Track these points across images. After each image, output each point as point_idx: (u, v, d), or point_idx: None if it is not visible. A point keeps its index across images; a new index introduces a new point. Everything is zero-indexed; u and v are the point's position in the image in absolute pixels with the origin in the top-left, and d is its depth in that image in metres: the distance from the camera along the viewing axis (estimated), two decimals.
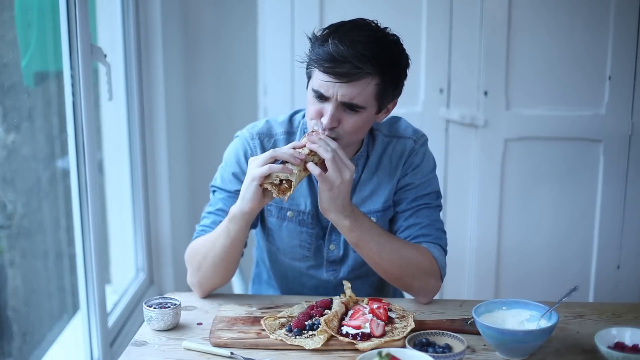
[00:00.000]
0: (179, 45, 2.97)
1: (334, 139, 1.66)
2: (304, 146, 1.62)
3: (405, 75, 1.73)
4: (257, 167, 1.60)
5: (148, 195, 2.72)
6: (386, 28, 1.69)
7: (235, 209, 1.65)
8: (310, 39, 1.69)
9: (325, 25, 1.69)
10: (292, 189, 1.58)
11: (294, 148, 1.62)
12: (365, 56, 1.60)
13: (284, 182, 1.59)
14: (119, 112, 2.58)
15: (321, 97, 1.65)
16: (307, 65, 1.69)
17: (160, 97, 2.71)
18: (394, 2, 2.76)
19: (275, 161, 1.60)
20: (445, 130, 2.85)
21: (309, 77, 1.70)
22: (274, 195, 1.61)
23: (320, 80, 1.64)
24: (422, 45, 2.80)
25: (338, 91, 1.62)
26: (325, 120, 1.65)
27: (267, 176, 1.59)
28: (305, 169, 1.61)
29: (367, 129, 1.73)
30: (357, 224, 1.66)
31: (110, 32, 2.54)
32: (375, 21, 1.69)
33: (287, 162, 1.59)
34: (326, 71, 1.62)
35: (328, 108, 1.65)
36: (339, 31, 1.64)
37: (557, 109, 2.81)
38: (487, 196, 2.87)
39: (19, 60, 2.12)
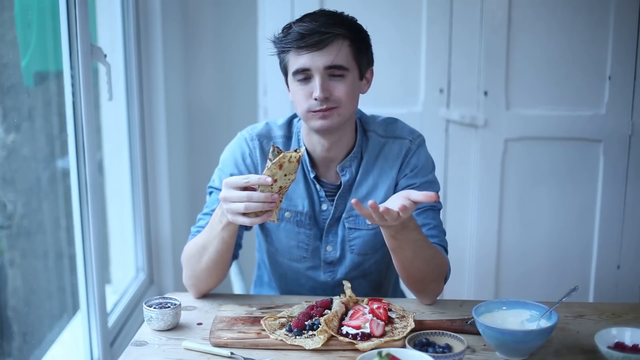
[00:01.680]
0: (179, 45, 2.97)
1: (334, 108, 1.68)
2: (275, 181, 1.54)
3: (370, 44, 1.78)
4: (236, 213, 1.55)
5: (148, 195, 2.72)
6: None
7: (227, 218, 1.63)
8: (274, 42, 1.75)
9: None
10: (276, 219, 1.58)
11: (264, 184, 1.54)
12: (329, 23, 1.69)
13: None
14: (119, 112, 2.58)
15: (305, 75, 1.69)
16: (281, 59, 1.75)
17: (160, 97, 2.71)
18: (394, 2, 2.77)
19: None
20: (445, 130, 2.85)
21: (286, 69, 1.74)
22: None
23: (298, 57, 1.69)
24: (422, 45, 2.80)
25: (318, 61, 1.67)
26: (316, 92, 1.68)
27: None
28: (280, 194, 1.57)
29: (357, 97, 1.76)
30: (402, 235, 1.62)
31: (110, 32, 2.54)
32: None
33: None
34: (299, 46, 1.68)
35: (315, 82, 1.68)
36: (297, 19, 1.73)
37: (557, 109, 2.81)
38: (487, 196, 2.87)
39: (19, 60, 2.12)
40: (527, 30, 2.76)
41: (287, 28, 1.72)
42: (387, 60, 2.76)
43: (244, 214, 1.55)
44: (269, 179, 1.52)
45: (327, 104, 1.68)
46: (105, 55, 2.18)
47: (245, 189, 1.55)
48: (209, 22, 3.03)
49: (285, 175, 1.55)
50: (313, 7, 2.71)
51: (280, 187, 1.55)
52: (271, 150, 1.58)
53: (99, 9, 2.54)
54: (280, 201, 1.58)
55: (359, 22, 1.76)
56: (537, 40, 2.77)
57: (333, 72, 1.69)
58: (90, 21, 2.01)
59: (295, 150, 1.55)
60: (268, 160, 1.55)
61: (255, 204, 1.53)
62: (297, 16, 1.72)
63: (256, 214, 1.56)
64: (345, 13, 1.76)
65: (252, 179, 1.54)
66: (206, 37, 3.04)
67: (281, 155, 1.53)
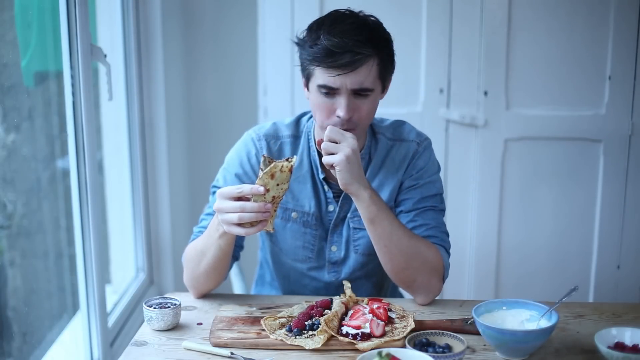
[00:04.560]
0: (179, 45, 2.97)
1: (353, 129, 1.67)
2: (268, 190, 1.54)
3: (394, 53, 1.76)
4: (230, 223, 1.56)
5: (148, 195, 2.72)
6: (360, 12, 1.72)
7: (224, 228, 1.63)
8: (297, 43, 1.70)
9: None
10: (272, 228, 1.59)
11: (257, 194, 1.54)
12: (361, 41, 1.63)
13: None
14: (119, 112, 2.58)
15: (330, 92, 1.66)
16: (304, 68, 1.70)
17: (160, 97, 2.71)
18: (394, 2, 2.76)
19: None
20: (445, 130, 2.85)
21: (308, 78, 1.70)
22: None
23: (325, 73, 1.64)
24: (422, 45, 2.80)
25: (346, 81, 1.64)
26: (342, 113, 1.65)
27: None
28: (274, 204, 1.57)
29: (375, 111, 1.76)
30: (376, 199, 1.67)
31: (110, 32, 2.54)
32: (349, 8, 1.72)
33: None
34: (330, 66, 1.63)
35: (341, 100, 1.65)
36: (323, 27, 1.65)
37: (557, 109, 2.81)
38: (487, 196, 2.87)
39: (19, 60, 2.12)
40: (527, 30, 2.76)
41: (315, 37, 1.65)
42: None
43: (239, 224, 1.56)
44: (261, 188, 1.53)
45: (348, 125, 1.68)
46: (105, 55, 2.18)
47: (239, 199, 1.55)
48: (209, 22, 3.03)
49: (278, 184, 1.55)
50: (313, 8, 2.74)
51: (274, 196, 1.55)
52: (262, 160, 1.58)
53: (99, 9, 2.54)
54: (275, 210, 1.58)
55: (383, 25, 1.73)
56: (537, 40, 2.77)
57: (359, 92, 1.67)
58: (90, 21, 2.01)
59: (287, 160, 1.55)
60: (260, 170, 1.56)
61: (249, 214, 1.54)
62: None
63: (251, 224, 1.56)
64: (369, 15, 1.71)
65: (245, 189, 1.54)
66: (206, 37, 3.04)
67: (272, 165, 1.53)
